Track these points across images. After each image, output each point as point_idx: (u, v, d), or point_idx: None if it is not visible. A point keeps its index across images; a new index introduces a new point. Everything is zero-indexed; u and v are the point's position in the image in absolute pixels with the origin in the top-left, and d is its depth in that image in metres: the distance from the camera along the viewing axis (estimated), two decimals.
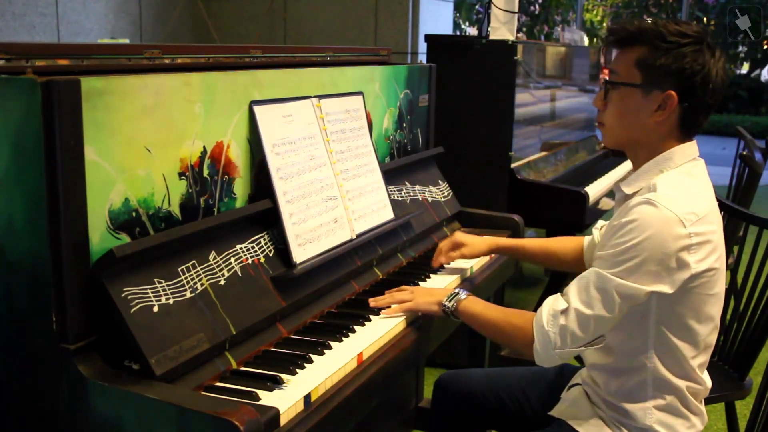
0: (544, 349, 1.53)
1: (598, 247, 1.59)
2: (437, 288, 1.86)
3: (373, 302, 1.77)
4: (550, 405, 1.75)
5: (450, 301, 1.72)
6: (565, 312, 1.51)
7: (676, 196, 1.48)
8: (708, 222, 1.49)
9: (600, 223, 1.89)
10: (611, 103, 1.60)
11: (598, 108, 1.65)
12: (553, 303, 1.55)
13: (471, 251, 2.10)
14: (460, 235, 2.13)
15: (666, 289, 1.47)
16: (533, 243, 2.10)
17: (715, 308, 1.57)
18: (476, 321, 1.70)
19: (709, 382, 1.65)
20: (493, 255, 2.22)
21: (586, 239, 1.97)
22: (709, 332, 1.57)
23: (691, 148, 1.59)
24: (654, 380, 1.57)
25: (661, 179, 1.54)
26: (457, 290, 1.75)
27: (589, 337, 1.51)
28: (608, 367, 1.62)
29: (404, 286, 1.83)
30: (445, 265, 2.13)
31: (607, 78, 1.62)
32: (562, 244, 2.03)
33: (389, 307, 1.75)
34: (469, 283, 2.10)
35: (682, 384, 1.58)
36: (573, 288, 1.53)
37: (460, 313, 1.72)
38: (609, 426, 1.61)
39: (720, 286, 1.57)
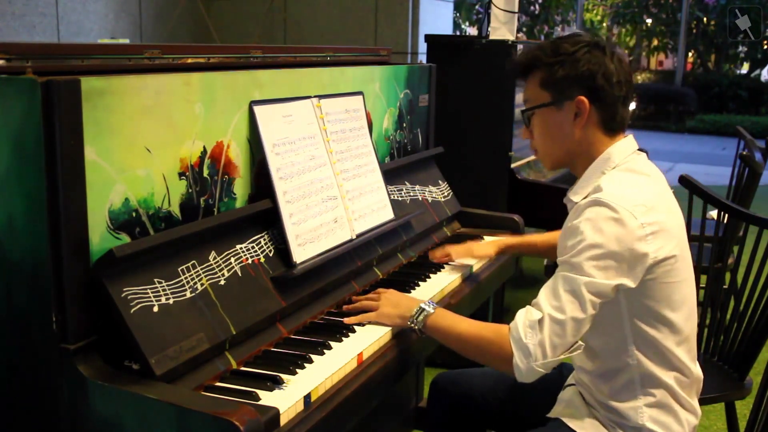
0: (524, 363, 1.50)
1: (558, 251, 1.59)
2: (407, 297, 1.78)
3: (347, 320, 1.71)
4: (549, 405, 1.75)
5: (418, 317, 1.66)
6: (540, 321, 1.49)
7: (622, 192, 1.52)
8: (658, 211, 1.52)
9: None
10: (535, 129, 1.68)
11: (526, 138, 1.72)
12: (526, 314, 1.52)
13: (476, 251, 2.19)
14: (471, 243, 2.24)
15: (629, 282, 1.49)
16: (538, 237, 2.20)
17: (686, 294, 1.58)
18: (446, 337, 1.65)
19: (699, 374, 1.65)
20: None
21: None
22: (686, 318, 1.59)
23: (626, 143, 1.63)
24: (641, 377, 1.58)
25: (605, 179, 1.58)
26: (423, 305, 1.68)
27: (567, 343, 1.50)
28: (595, 372, 1.63)
29: (378, 290, 1.79)
30: (449, 264, 2.16)
31: (522, 109, 1.69)
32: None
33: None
34: (471, 281, 2.10)
35: (670, 376, 1.58)
36: (542, 296, 1.53)
37: (428, 329, 1.65)
38: (605, 427, 1.62)
39: (686, 272, 1.59)
